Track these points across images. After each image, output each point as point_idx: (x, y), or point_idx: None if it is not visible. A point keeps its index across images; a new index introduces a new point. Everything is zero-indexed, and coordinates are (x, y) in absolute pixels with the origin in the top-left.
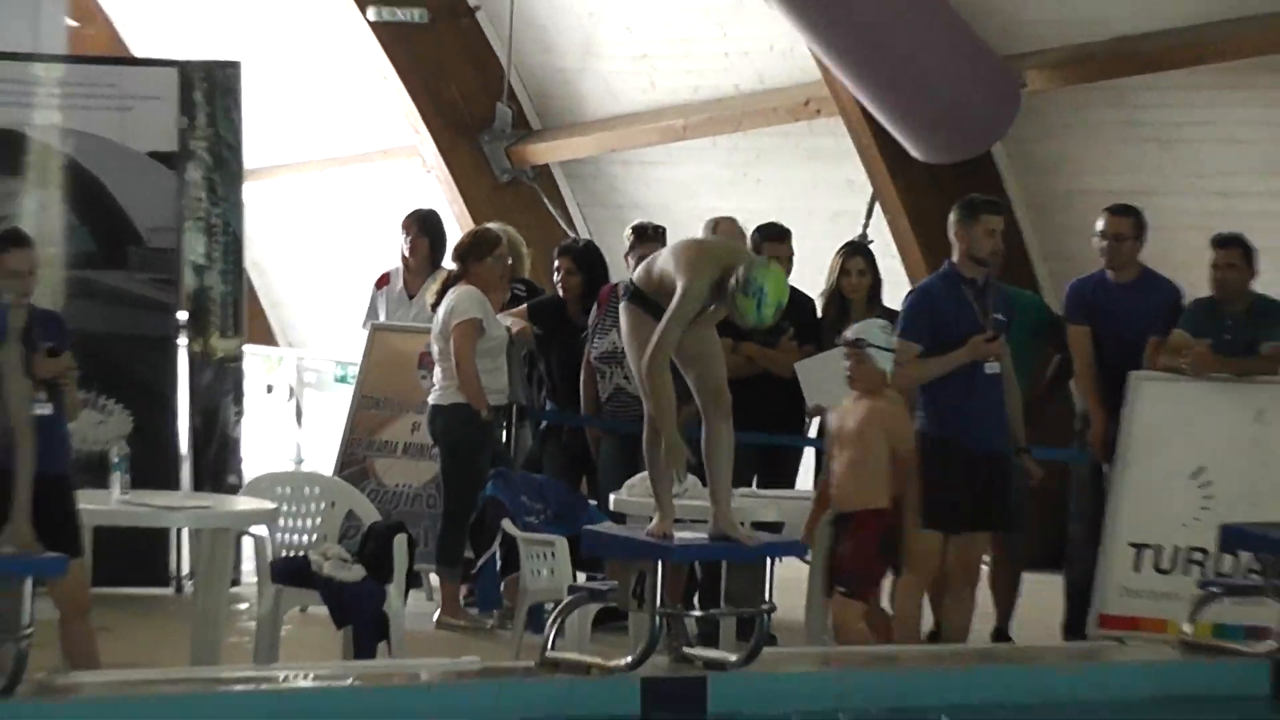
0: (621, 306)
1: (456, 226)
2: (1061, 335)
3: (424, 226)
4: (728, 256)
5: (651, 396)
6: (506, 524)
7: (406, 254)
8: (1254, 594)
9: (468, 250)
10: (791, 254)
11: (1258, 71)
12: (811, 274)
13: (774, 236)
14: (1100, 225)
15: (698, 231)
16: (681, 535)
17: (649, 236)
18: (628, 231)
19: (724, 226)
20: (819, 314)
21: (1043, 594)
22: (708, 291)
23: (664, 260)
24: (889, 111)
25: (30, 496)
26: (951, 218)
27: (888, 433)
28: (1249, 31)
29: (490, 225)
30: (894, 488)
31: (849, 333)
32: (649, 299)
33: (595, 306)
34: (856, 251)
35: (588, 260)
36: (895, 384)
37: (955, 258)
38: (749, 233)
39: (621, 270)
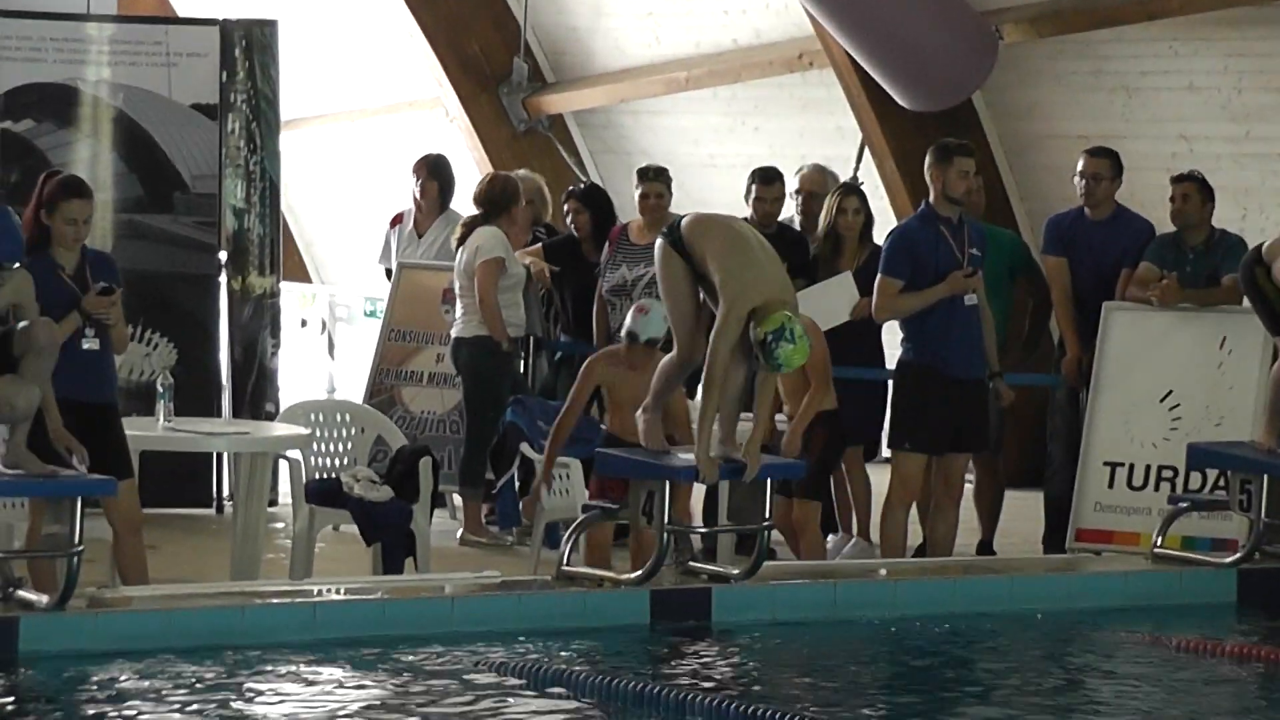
0: (659, 244)
1: (477, 172)
2: (1035, 278)
3: (433, 171)
4: (770, 291)
5: (701, 417)
6: (525, 448)
7: (418, 196)
8: (1220, 508)
9: (498, 198)
10: (782, 195)
11: (1213, 25)
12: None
13: (765, 179)
14: (1080, 166)
15: (703, 175)
16: (686, 456)
17: (650, 177)
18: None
19: (773, 191)
20: (812, 250)
21: (1024, 510)
22: (746, 316)
23: (712, 243)
24: (876, 64)
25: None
26: (927, 160)
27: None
28: None
29: (519, 172)
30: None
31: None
32: (683, 246)
33: (606, 245)
34: (851, 192)
35: (593, 200)
36: (879, 317)
37: (932, 198)
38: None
39: (630, 211)
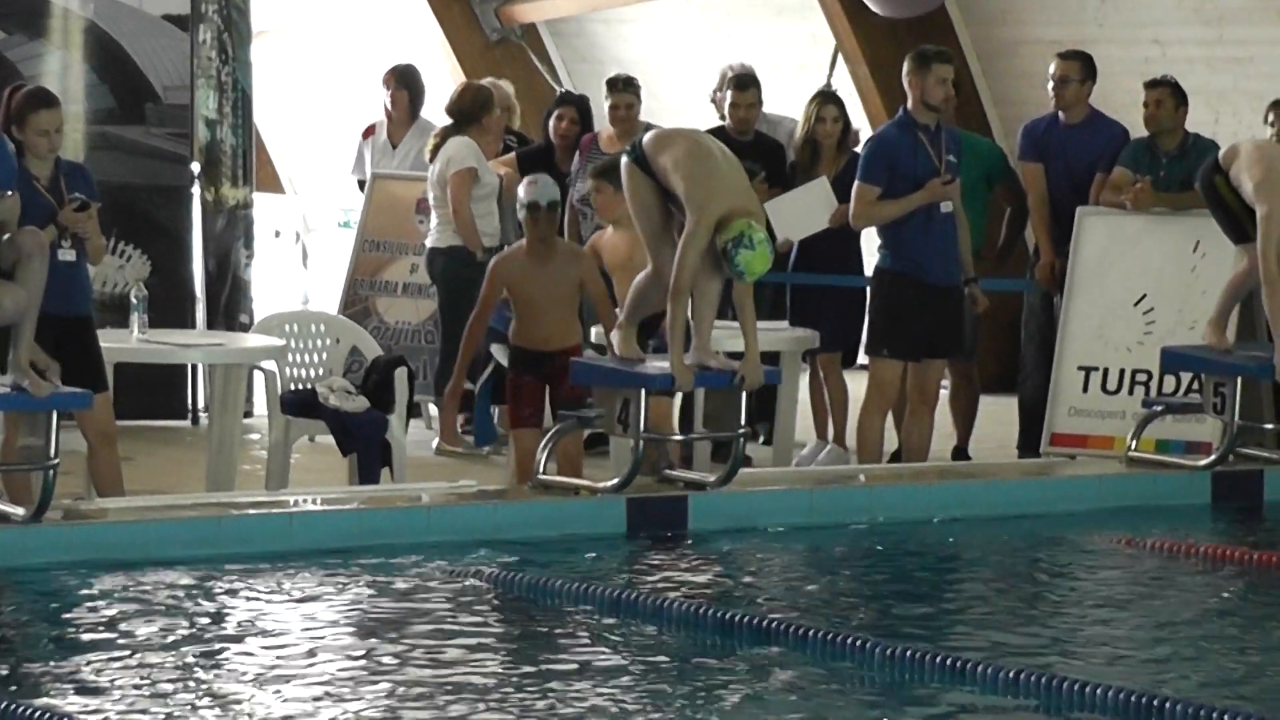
0: (624, 163)
1: (450, 82)
2: (1013, 187)
3: (402, 80)
4: (735, 201)
5: (671, 325)
6: (496, 349)
7: (388, 106)
8: (1193, 411)
9: (469, 108)
10: (757, 100)
11: None
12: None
13: (740, 85)
14: (1051, 69)
15: (677, 82)
16: (660, 364)
17: (619, 88)
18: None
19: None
20: (790, 157)
21: (999, 415)
22: (713, 224)
23: (674, 155)
24: None
25: (33, 331)
26: (905, 67)
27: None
28: None
29: (485, 80)
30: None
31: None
32: (649, 166)
33: (577, 154)
34: (829, 100)
35: (576, 108)
36: (856, 224)
37: (910, 105)
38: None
39: (601, 120)
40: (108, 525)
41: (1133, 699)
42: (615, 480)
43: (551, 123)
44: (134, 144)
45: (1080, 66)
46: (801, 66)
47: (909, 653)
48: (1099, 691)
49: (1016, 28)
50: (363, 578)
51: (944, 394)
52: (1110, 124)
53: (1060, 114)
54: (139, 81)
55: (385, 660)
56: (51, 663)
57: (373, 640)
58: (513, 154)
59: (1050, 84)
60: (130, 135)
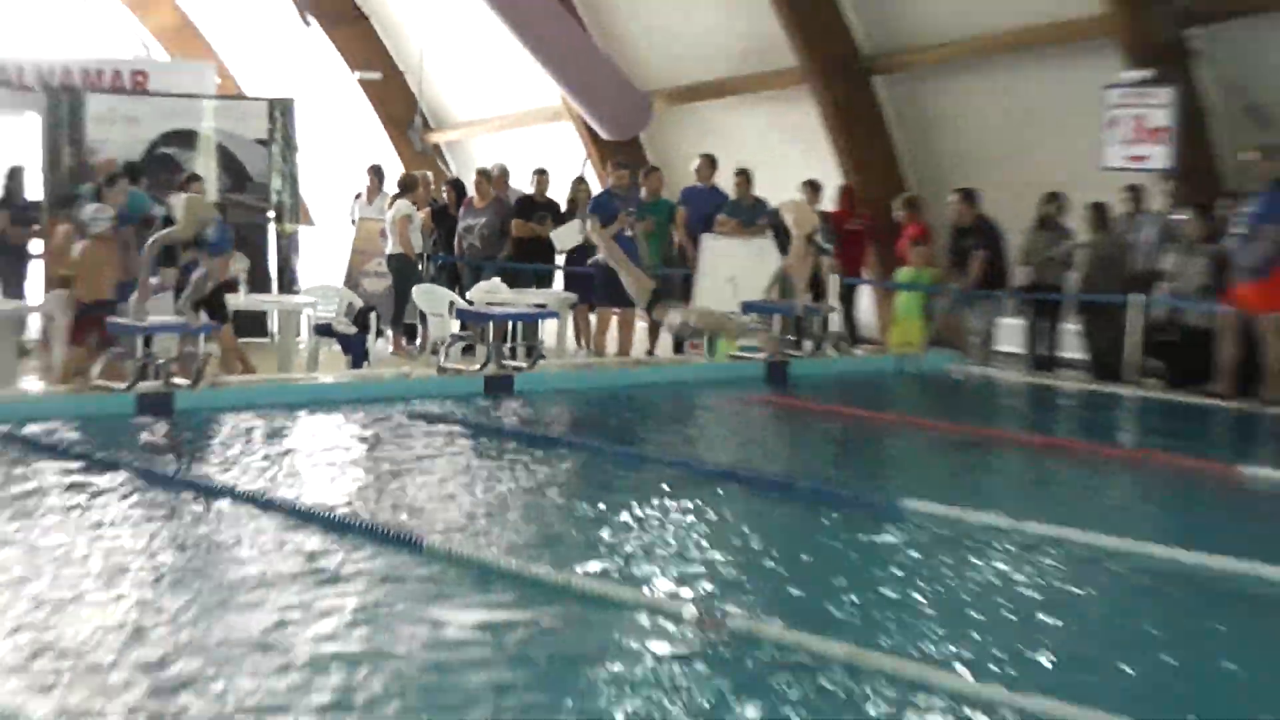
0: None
1: (399, 170)
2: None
3: (375, 171)
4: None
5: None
6: (417, 295)
7: (368, 183)
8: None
9: (407, 184)
10: (546, 181)
11: (760, 101)
12: (559, 189)
13: (539, 173)
14: (695, 165)
15: (516, 172)
16: (505, 308)
17: (482, 173)
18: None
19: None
20: (564, 209)
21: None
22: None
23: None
24: (586, 112)
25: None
26: (609, 167)
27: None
28: (761, 71)
29: (416, 171)
30: None
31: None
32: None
33: (461, 207)
34: (581, 181)
35: (458, 186)
36: (592, 240)
37: (611, 184)
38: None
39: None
40: (230, 390)
41: None
42: (477, 367)
43: (446, 193)
44: (239, 203)
45: (708, 163)
46: (575, 167)
47: (620, 454)
48: None
49: (679, 151)
50: (358, 415)
51: (642, 326)
52: (721, 191)
53: (699, 184)
54: (242, 172)
55: (373, 452)
56: (224, 454)
57: (362, 442)
58: (429, 209)
59: (694, 167)
60: (238, 198)
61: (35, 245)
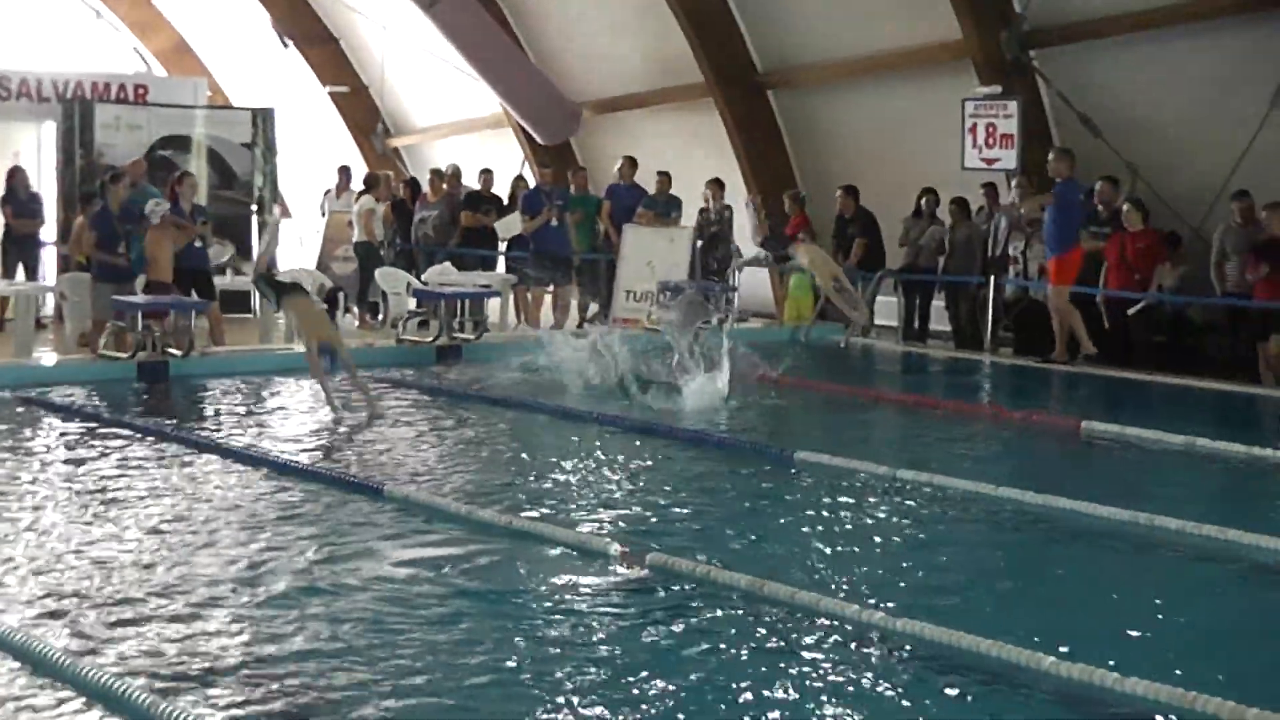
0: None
1: (364, 170)
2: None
3: (343, 171)
4: None
5: None
6: (379, 277)
7: (337, 181)
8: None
9: (370, 182)
10: (491, 180)
11: (674, 111)
12: (502, 186)
13: (484, 173)
14: (617, 167)
15: (468, 173)
16: (456, 289)
17: (435, 173)
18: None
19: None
20: (505, 202)
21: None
22: None
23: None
24: (523, 120)
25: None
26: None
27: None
28: (674, 85)
29: (380, 171)
30: None
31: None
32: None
33: (417, 201)
34: (521, 179)
35: (414, 185)
36: (527, 231)
37: (538, 179)
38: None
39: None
40: (217, 359)
41: None
42: (433, 338)
43: (402, 190)
44: (229, 198)
45: (629, 164)
46: (516, 166)
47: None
48: None
49: (606, 154)
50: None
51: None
52: (641, 188)
53: (622, 182)
54: (229, 171)
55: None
56: (216, 409)
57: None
58: (389, 203)
59: (617, 168)
60: (226, 194)
61: (47, 233)
